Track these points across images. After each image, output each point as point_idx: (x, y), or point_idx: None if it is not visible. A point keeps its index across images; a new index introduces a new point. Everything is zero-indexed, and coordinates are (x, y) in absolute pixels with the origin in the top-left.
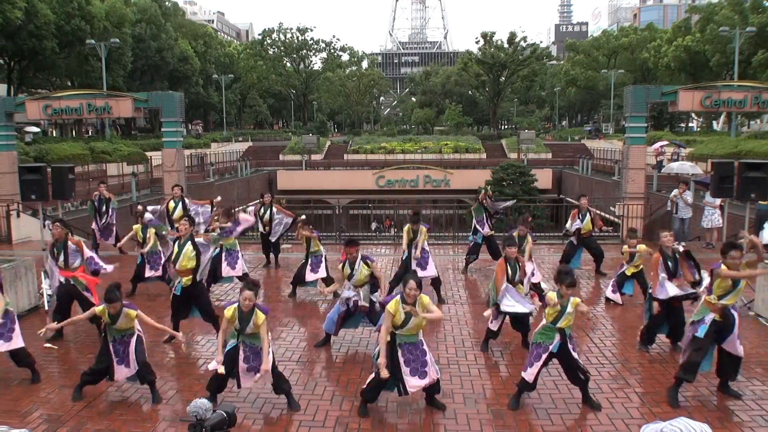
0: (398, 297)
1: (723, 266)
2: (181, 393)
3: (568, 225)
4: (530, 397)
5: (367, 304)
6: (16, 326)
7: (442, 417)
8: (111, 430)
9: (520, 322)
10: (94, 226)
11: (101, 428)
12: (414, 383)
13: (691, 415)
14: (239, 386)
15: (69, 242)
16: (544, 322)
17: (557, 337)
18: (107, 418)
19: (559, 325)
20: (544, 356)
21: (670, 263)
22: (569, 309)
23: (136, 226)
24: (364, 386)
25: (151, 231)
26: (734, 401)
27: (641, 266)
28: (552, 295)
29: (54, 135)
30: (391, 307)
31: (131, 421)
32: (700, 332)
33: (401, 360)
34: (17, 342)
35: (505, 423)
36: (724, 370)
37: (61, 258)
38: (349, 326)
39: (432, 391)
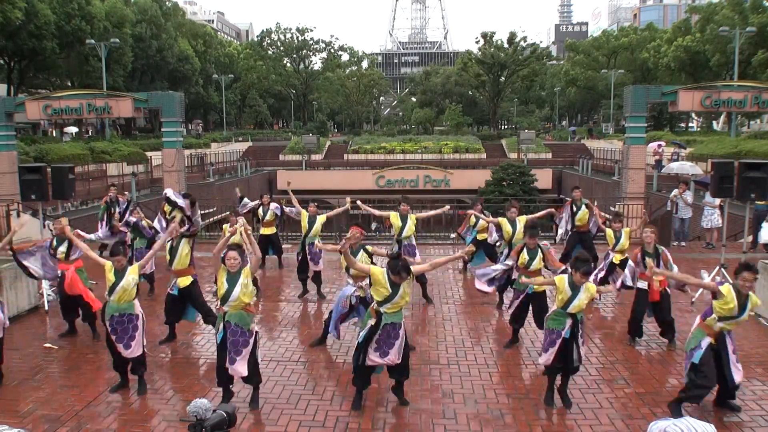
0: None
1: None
2: (181, 393)
3: (560, 229)
4: (530, 398)
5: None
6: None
7: (442, 417)
8: (111, 430)
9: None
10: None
11: (101, 428)
12: (373, 358)
13: (691, 415)
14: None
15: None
16: (554, 307)
17: (569, 323)
18: (107, 418)
19: (569, 310)
20: (558, 342)
21: (649, 259)
22: (581, 295)
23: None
24: (353, 376)
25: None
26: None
27: (627, 255)
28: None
29: (54, 135)
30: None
31: (131, 421)
32: (696, 358)
33: (375, 337)
34: None
35: (505, 423)
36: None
37: (62, 249)
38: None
39: (398, 375)
